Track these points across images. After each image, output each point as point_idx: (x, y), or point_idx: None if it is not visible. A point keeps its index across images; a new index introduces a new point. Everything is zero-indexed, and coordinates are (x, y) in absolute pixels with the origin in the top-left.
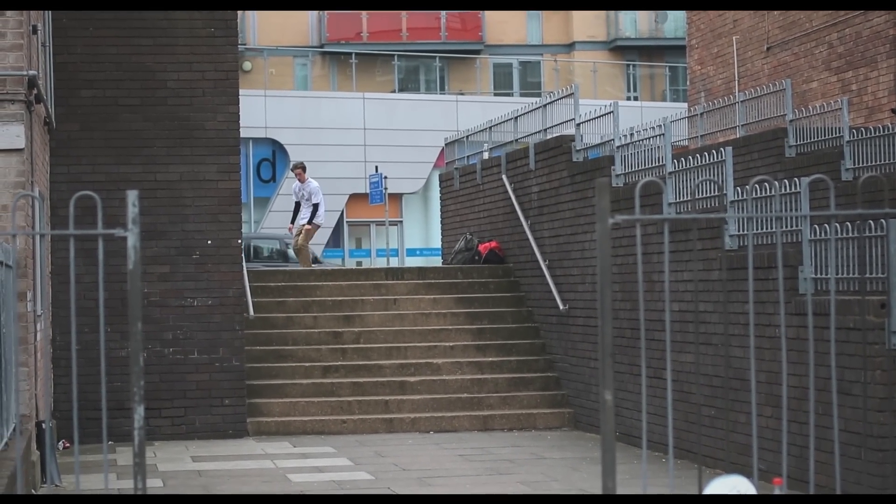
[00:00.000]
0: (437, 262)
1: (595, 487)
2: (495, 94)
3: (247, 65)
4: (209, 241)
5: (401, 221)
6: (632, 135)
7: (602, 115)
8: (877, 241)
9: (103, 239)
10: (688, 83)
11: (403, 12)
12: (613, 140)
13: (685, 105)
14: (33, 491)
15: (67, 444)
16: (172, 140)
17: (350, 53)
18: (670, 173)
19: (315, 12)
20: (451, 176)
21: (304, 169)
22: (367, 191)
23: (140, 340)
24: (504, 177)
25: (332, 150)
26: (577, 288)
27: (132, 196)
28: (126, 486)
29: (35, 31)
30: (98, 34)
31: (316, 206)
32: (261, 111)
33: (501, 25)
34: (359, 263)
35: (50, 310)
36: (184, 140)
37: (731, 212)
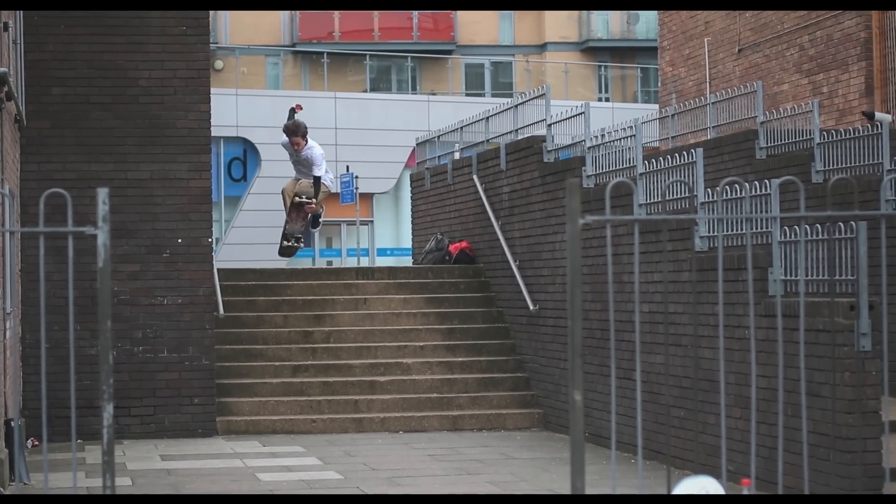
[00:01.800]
0: (407, 261)
1: (564, 488)
2: (467, 95)
3: (218, 64)
4: (179, 240)
5: (371, 221)
6: (603, 136)
7: (573, 116)
8: (846, 243)
9: (73, 237)
10: (659, 85)
11: (375, 12)
12: (584, 141)
13: (656, 106)
14: (1, 489)
15: (36, 443)
16: (143, 138)
17: (322, 53)
18: (641, 174)
19: (287, 12)
20: (422, 176)
21: (303, 135)
22: (338, 190)
23: (109, 338)
24: (475, 177)
25: None
26: (548, 288)
27: (102, 194)
28: (95, 484)
29: (6, 28)
30: (70, 32)
31: (318, 181)
32: (232, 110)
33: (473, 26)
34: (329, 263)
35: (19, 308)
36: (155, 138)
37: (702, 213)
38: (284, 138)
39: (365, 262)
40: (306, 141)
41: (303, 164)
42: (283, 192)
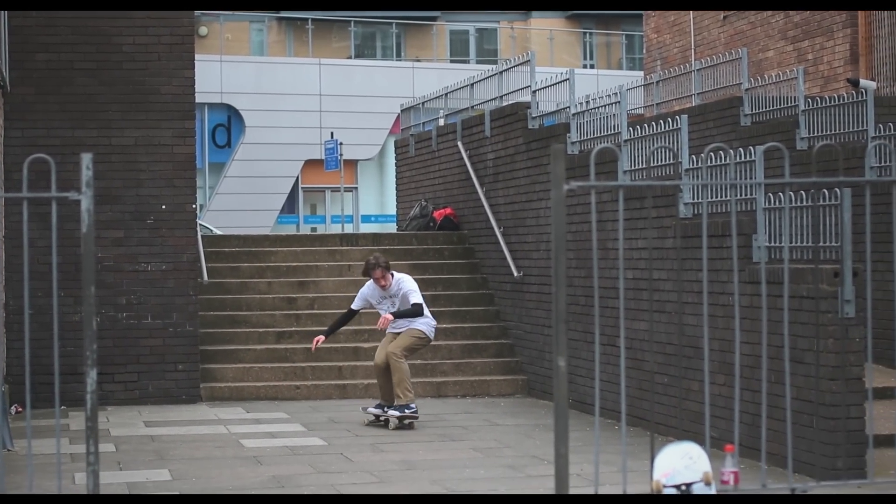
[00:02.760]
0: (392, 228)
1: (548, 454)
2: (451, 61)
3: (203, 30)
4: (163, 206)
5: (356, 188)
6: (588, 103)
7: (558, 83)
8: (831, 209)
9: (57, 202)
10: (644, 51)
11: None
12: (569, 108)
13: (641, 73)
14: None
15: (20, 409)
16: (127, 104)
17: (306, 19)
18: (626, 141)
19: None
20: (406, 142)
21: (386, 267)
22: (323, 157)
23: (93, 304)
24: (459, 143)
25: (287, 115)
26: (532, 255)
27: (86, 159)
28: (78, 450)
29: None
30: None
31: (419, 307)
32: (216, 76)
33: None
34: (314, 229)
35: (3, 274)
36: (139, 104)
37: (686, 179)
38: (366, 290)
39: (349, 229)
40: (391, 273)
41: (394, 300)
42: (375, 366)
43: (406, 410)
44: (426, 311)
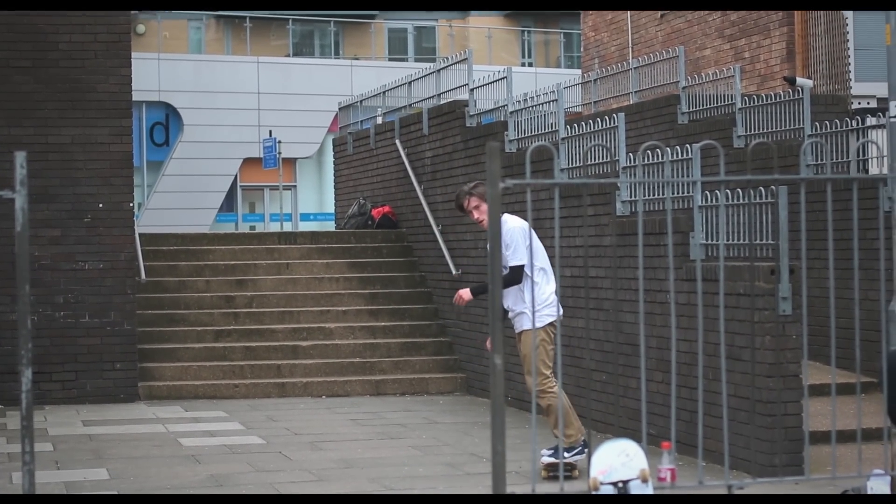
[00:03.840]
0: (330, 226)
1: (487, 452)
2: (390, 60)
3: (140, 28)
4: (101, 205)
5: (295, 186)
6: (525, 101)
7: (496, 81)
8: (767, 207)
9: None
10: (582, 49)
11: None
12: (507, 105)
13: (579, 72)
14: None
15: None
16: (64, 102)
17: (244, 17)
18: (563, 139)
19: None
20: (344, 141)
21: (480, 196)
22: (261, 155)
23: (28, 303)
24: (397, 142)
25: (225, 114)
26: (470, 253)
27: (20, 157)
28: (15, 450)
29: None
30: None
31: (517, 272)
32: (154, 74)
33: None
34: (252, 228)
35: None
36: (76, 102)
37: (623, 177)
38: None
39: (288, 227)
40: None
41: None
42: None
43: (568, 454)
44: (541, 277)
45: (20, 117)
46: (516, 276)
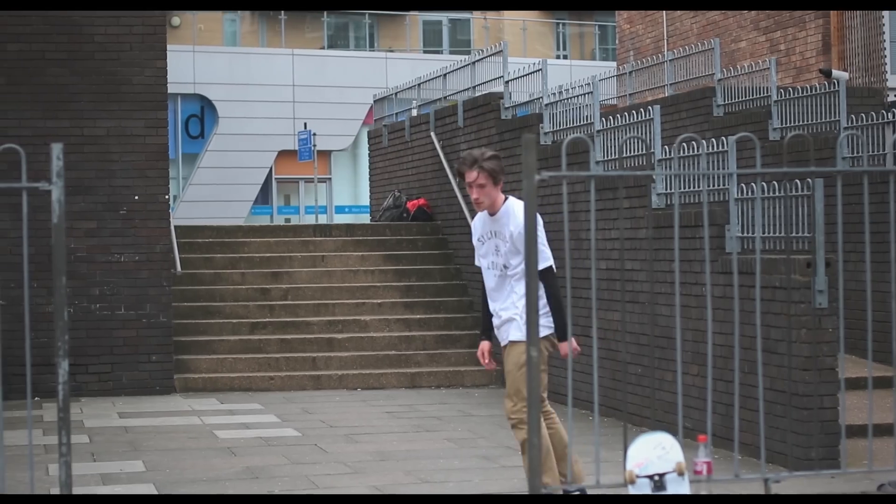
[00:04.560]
0: (365, 219)
1: None
2: (424, 52)
3: (175, 20)
4: (136, 197)
5: (329, 178)
6: (560, 93)
7: (531, 73)
8: (803, 199)
9: (28, 193)
10: (617, 42)
11: None
12: (542, 98)
13: (614, 64)
14: None
15: None
16: (100, 95)
17: (279, 9)
18: (598, 131)
19: None
20: (379, 133)
21: (491, 173)
22: (296, 147)
23: (64, 295)
24: (432, 134)
25: (260, 106)
26: None
27: (56, 149)
28: (51, 442)
29: None
30: None
31: (549, 276)
32: (189, 67)
33: None
34: (287, 220)
35: None
36: (111, 95)
37: (658, 170)
38: (476, 221)
39: (323, 220)
40: (498, 191)
41: (499, 244)
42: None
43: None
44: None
45: (56, 110)
46: (552, 279)
